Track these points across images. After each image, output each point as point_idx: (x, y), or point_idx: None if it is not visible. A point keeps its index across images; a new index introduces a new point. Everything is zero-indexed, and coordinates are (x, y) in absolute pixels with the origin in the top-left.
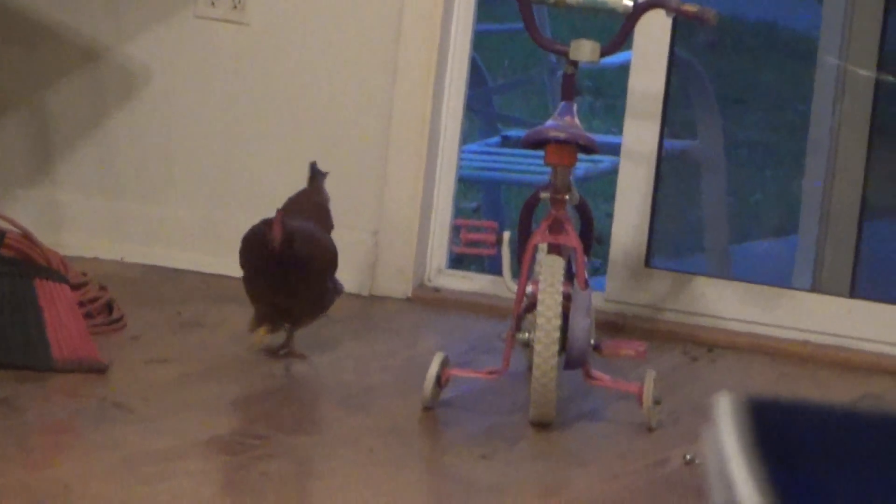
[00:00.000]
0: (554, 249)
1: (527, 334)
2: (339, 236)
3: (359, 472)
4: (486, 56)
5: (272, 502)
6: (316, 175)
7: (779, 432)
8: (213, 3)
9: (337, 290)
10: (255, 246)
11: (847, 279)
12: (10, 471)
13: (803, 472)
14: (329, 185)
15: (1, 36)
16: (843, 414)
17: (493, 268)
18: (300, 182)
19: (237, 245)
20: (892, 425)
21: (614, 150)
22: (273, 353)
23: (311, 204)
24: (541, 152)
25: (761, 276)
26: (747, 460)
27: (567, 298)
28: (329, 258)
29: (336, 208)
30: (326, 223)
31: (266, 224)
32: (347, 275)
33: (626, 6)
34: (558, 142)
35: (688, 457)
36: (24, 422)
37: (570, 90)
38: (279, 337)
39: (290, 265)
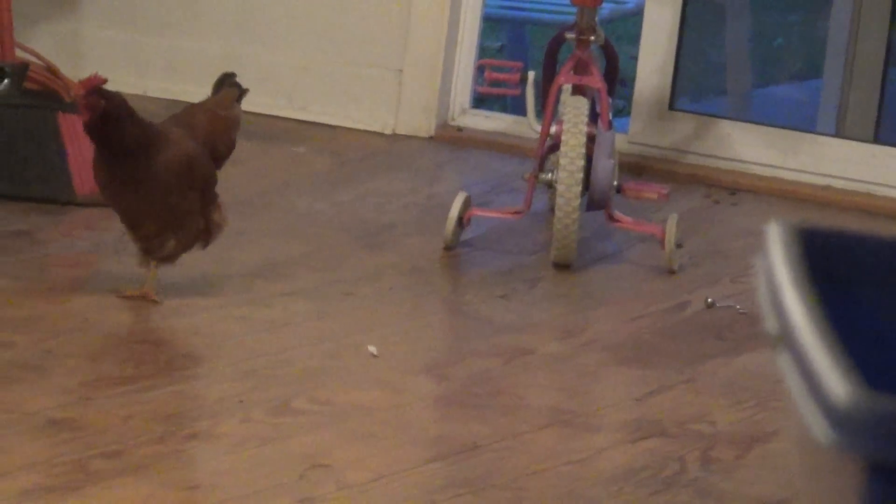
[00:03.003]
0: (578, 90)
1: (550, 175)
2: (363, 74)
3: (379, 309)
4: None
5: (292, 339)
6: (223, 86)
7: (830, 258)
8: None
9: (209, 228)
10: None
11: (871, 124)
12: (32, 303)
13: (854, 296)
14: (354, 23)
15: None
16: (893, 243)
17: (517, 108)
18: (322, 14)
19: (261, 80)
20: None
21: None
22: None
23: (205, 116)
24: None
25: (784, 121)
26: (799, 285)
27: (591, 139)
28: (179, 170)
29: (361, 46)
30: (217, 141)
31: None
32: (371, 113)
33: None
34: None
35: (709, 300)
36: (45, 254)
37: None
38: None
39: (121, 153)
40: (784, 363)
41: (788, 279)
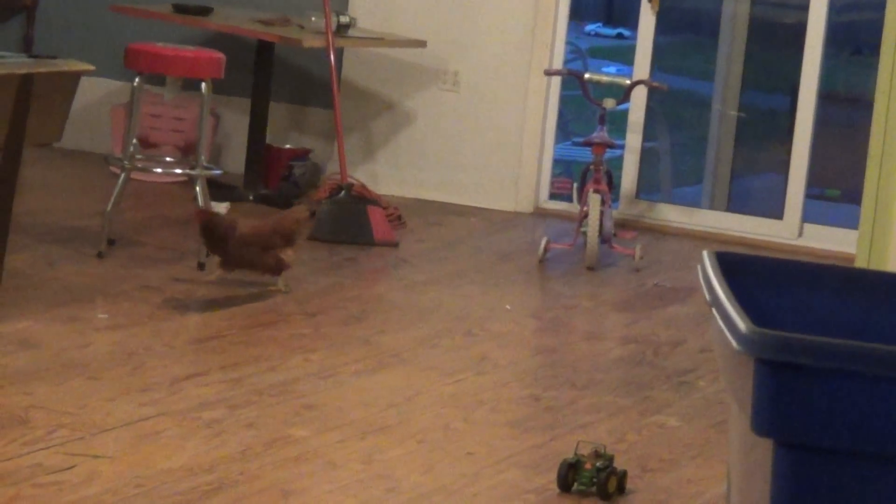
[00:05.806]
0: (596, 191)
1: (584, 228)
2: (502, 181)
3: (492, 286)
4: (569, 109)
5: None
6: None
7: (736, 268)
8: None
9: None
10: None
11: None
12: (349, 290)
13: (747, 287)
14: (497, 160)
15: None
16: (782, 262)
17: (569, 199)
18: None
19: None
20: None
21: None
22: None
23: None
24: (589, 147)
25: None
26: (721, 282)
27: (601, 213)
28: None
29: (501, 170)
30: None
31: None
32: (503, 199)
33: (626, 83)
34: (597, 143)
35: (656, 283)
36: (359, 268)
37: (602, 120)
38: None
39: None
40: (714, 317)
41: (715, 277)
